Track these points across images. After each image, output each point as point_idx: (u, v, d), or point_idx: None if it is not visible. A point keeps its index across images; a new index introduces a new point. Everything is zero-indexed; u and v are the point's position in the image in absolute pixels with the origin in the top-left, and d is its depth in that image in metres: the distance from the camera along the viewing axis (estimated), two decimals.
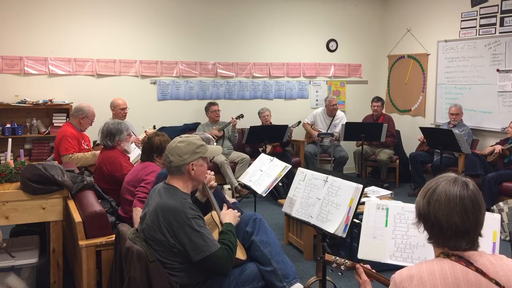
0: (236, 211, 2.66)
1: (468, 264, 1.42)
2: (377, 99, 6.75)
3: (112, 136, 3.78)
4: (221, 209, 2.67)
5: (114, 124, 3.85)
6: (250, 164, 4.66)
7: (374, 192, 4.35)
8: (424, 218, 1.50)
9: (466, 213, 1.43)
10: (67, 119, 5.58)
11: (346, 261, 1.85)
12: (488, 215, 1.95)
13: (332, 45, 7.39)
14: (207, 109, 6.28)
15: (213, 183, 2.77)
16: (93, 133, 5.05)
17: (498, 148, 5.26)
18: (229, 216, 2.57)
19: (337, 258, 1.88)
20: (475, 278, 1.40)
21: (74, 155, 4.25)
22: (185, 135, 2.53)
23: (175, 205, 2.30)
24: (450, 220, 1.43)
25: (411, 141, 6.79)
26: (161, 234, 2.28)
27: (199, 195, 2.74)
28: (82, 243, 2.70)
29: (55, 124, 5.65)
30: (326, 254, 1.93)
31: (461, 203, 1.43)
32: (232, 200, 3.03)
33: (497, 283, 1.40)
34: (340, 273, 1.87)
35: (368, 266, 1.82)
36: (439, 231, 1.46)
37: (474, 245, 1.46)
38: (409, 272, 1.45)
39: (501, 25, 5.76)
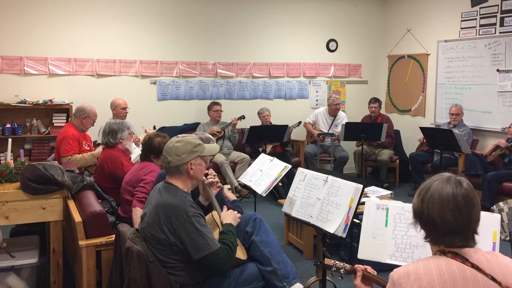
0: (236, 212, 2.66)
1: (464, 260, 1.44)
2: (375, 100, 6.74)
3: (114, 134, 3.78)
4: (221, 209, 2.67)
5: (115, 123, 3.86)
6: (250, 164, 4.66)
7: (374, 192, 4.35)
8: (418, 216, 1.53)
9: (458, 210, 1.45)
10: (68, 119, 5.59)
11: (345, 265, 1.85)
12: (488, 215, 1.96)
13: (332, 45, 7.39)
14: (209, 108, 6.28)
15: (220, 184, 2.78)
16: (93, 133, 5.04)
17: (502, 142, 5.24)
18: (230, 217, 2.57)
19: (337, 262, 1.88)
20: (471, 273, 1.42)
21: (73, 157, 4.26)
22: (182, 135, 2.52)
23: (176, 203, 2.30)
24: (443, 218, 1.46)
25: (411, 141, 6.79)
26: (161, 232, 2.28)
27: (202, 199, 2.74)
28: (82, 243, 2.70)
29: (55, 124, 5.65)
30: (325, 258, 1.92)
31: (454, 200, 1.46)
32: (232, 197, 3.02)
33: (493, 279, 1.41)
34: (340, 278, 1.87)
35: (369, 267, 1.81)
36: (433, 228, 1.49)
37: (468, 242, 1.48)
38: (406, 269, 1.47)
39: (501, 25, 5.76)
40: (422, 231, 1.54)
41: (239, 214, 2.67)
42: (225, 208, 2.66)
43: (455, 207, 1.45)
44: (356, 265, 1.82)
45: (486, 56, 5.93)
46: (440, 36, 6.60)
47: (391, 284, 1.48)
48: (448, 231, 1.46)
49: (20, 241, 3.40)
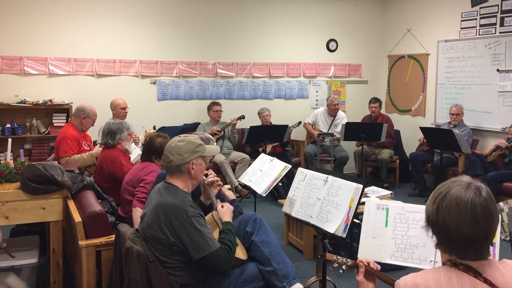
0: (229, 204, 2.64)
1: (477, 274, 1.37)
2: (375, 100, 6.74)
3: (113, 135, 3.78)
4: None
5: (115, 123, 3.86)
6: (250, 164, 4.66)
7: (374, 192, 4.35)
8: (432, 224, 1.44)
9: (476, 223, 1.36)
10: (67, 119, 5.58)
11: (348, 260, 1.84)
12: None
13: (332, 45, 7.39)
14: (209, 108, 6.28)
15: (220, 182, 2.78)
16: (93, 133, 5.04)
17: (503, 142, 5.23)
18: (227, 213, 2.56)
19: (339, 257, 1.87)
20: None
21: (72, 157, 4.26)
22: (184, 135, 2.53)
23: (176, 203, 2.30)
24: (459, 229, 1.36)
25: (411, 141, 6.79)
26: (161, 232, 2.28)
27: (203, 198, 2.74)
28: (82, 243, 2.70)
29: (55, 124, 5.65)
30: (327, 253, 1.92)
31: (472, 211, 1.36)
32: (231, 196, 3.02)
33: None
34: (341, 271, 1.86)
35: (371, 261, 1.78)
36: (447, 238, 1.40)
37: (483, 256, 1.40)
38: (415, 280, 1.41)
39: (501, 25, 5.76)
40: (434, 237, 1.46)
41: (232, 207, 2.65)
42: (219, 203, 2.62)
43: (473, 219, 1.35)
44: (358, 260, 1.78)
45: (486, 56, 5.93)
46: (440, 36, 6.60)
47: None
48: (463, 243, 1.38)
49: (20, 241, 3.39)
